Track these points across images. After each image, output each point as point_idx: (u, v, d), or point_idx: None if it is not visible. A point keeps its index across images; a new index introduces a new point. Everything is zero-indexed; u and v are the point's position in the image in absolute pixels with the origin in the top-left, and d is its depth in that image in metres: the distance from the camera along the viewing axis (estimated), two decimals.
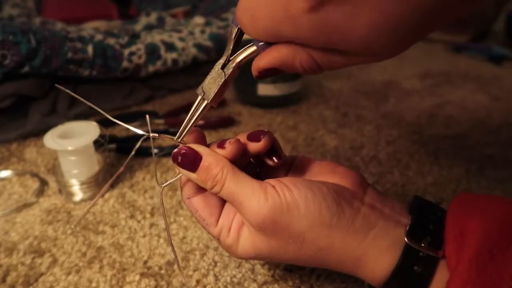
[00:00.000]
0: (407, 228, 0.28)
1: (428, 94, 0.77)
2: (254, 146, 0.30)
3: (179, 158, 0.29)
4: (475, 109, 0.71)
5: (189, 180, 0.30)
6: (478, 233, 0.26)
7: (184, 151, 0.29)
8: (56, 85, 0.32)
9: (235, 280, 0.36)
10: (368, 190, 0.31)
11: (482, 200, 0.29)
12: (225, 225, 0.29)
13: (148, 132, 0.31)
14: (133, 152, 0.32)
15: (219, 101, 0.29)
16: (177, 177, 0.30)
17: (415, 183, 0.50)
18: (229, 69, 0.27)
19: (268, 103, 0.69)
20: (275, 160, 0.31)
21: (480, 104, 0.73)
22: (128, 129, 0.31)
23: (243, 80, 0.69)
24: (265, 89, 0.67)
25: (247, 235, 0.29)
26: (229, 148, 0.29)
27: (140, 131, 0.31)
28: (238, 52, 0.27)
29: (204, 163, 0.28)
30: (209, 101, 0.28)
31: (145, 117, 0.63)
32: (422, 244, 0.27)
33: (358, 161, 0.54)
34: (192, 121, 0.29)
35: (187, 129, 0.29)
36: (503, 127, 0.64)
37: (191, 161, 0.28)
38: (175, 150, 0.29)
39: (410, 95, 0.76)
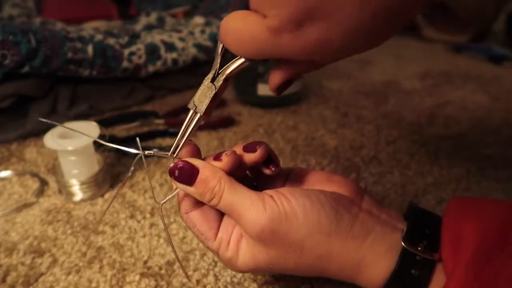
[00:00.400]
0: (404, 232, 0.29)
1: (428, 94, 0.77)
2: (250, 157, 0.30)
3: (176, 172, 0.28)
4: (475, 109, 0.71)
5: (186, 195, 0.30)
6: (474, 235, 0.26)
7: (180, 165, 0.28)
8: (40, 119, 0.33)
9: (235, 280, 0.36)
10: (364, 197, 0.31)
11: (477, 203, 0.30)
12: (224, 238, 0.29)
13: (142, 148, 0.30)
14: (129, 174, 0.33)
15: (210, 113, 0.29)
16: (175, 193, 0.30)
17: (415, 183, 0.50)
18: (218, 82, 0.28)
19: (268, 103, 0.69)
20: (272, 169, 0.31)
21: (480, 104, 0.73)
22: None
23: (243, 80, 0.69)
24: (265, 89, 0.67)
25: (246, 247, 0.29)
26: (226, 160, 0.29)
27: (133, 150, 0.30)
28: (227, 65, 0.28)
29: (201, 176, 0.28)
30: (201, 113, 0.29)
31: (145, 117, 0.63)
32: (419, 248, 0.28)
33: (358, 161, 0.54)
34: (186, 135, 0.29)
35: (181, 143, 0.29)
36: (503, 127, 0.64)
37: (188, 175, 0.28)
38: (172, 165, 0.29)
39: (410, 95, 0.76)
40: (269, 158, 0.31)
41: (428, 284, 0.27)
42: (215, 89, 0.28)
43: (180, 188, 0.29)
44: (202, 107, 0.28)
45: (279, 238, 0.27)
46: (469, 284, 0.24)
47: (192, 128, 0.29)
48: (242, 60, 0.27)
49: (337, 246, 0.28)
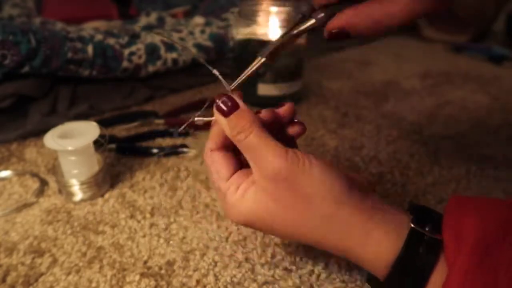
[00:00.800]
0: (411, 217, 0.30)
1: (428, 94, 0.77)
2: (280, 110, 0.34)
3: (220, 101, 0.31)
4: (475, 109, 0.71)
5: (216, 135, 0.33)
6: (475, 235, 0.26)
7: (226, 97, 0.31)
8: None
9: (235, 280, 0.36)
10: (370, 193, 0.32)
11: (477, 202, 0.30)
12: (235, 183, 0.32)
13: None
14: (198, 113, 0.35)
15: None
16: (211, 118, 0.33)
17: (415, 183, 0.50)
18: (288, 36, 0.32)
19: (268, 103, 0.69)
20: (300, 126, 0.35)
21: (480, 104, 0.73)
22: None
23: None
24: (265, 89, 0.67)
25: (253, 193, 0.30)
26: (264, 113, 0.33)
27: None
28: (299, 24, 0.31)
29: (239, 111, 0.31)
30: (263, 56, 0.32)
31: (145, 117, 0.63)
32: (427, 229, 0.29)
33: (358, 161, 0.54)
34: (247, 73, 0.33)
35: (241, 79, 0.33)
36: (503, 127, 0.64)
37: (229, 108, 0.31)
38: (218, 95, 0.32)
39: (410, 95, 0.76)
40: (295, 122, 0.35)
41: (435, 264, 0.27)
42: (282, 38, 0.32)
43: (216, 117, 0.31)
44: (266, 51, 0.32)
45: (291, 187, 0.29)
46: (469, 281, 0.25)
47: (254, 69, 0.33)
48: (313, 21, 0.30)
49: (345, 213, 0.29)
